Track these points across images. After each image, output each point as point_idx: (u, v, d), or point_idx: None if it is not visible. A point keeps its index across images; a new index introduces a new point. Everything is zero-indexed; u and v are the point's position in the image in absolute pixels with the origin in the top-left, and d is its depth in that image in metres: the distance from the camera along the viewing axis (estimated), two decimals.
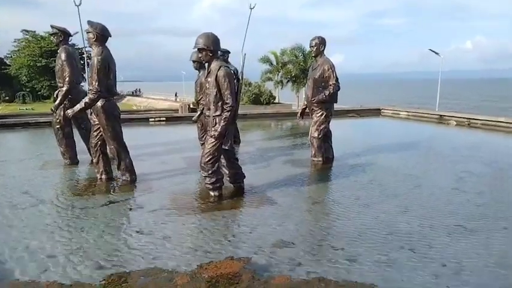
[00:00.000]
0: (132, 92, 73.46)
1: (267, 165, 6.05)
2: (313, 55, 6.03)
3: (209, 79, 4.18)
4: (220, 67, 4.09)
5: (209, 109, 4.25)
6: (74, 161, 6.03)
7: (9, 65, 50.34)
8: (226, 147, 4.35)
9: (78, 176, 5.42)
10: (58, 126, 5.87)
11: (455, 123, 11.20)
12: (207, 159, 4.19)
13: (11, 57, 51.96)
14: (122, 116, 5.00)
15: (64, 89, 5.62)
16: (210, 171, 4.23)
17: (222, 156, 4.42)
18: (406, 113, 13.41)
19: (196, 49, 4.25)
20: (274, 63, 31.35)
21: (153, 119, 11.70)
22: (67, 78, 5.58)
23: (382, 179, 5.19)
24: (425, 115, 12.90)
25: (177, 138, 8.56)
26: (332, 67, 5.72)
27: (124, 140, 4.91)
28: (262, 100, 28.40)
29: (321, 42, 5.83)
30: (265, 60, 31.39)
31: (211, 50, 4.12)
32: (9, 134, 9.68)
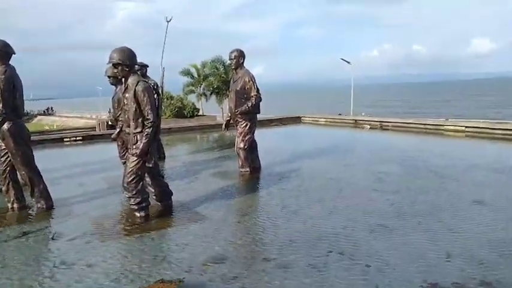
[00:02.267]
0: (44, 111, 68.65)
1: (194, 179, 5.95)
2: (233, 67, 6.10)
3: (127, 95, 4.01)
4: (138, 82, 3.95)
5: (129, 126, 4.08)
6: None
7: None
8: (150, 165, 4.20)
9: None
10: None
11: (369, 126, 12.00)
12: (130, 179, 4.00)
13: None
14: (33, 138, 4.61)
15: None
16: (134, 191, 4.04)
17: (146, 175, 4.25)
18: (324, 120, 14.10)
19: (111, 64, 4.07)
20: (196, 75, 31.23)
21: (68, 139, 10.96)
22: None
23: (308, 185, 5.36)
24: (342, 121, 13.70)
25: (95, 158, 8.11)
26: (252, 78, 5.82)
27: (36, 164, 4.52)
28: (185, 113, 28.08)
29: (240, 54, 5.91)
30: (186, 72, 31.14)
31: (127, 65, 3.97)
32: None
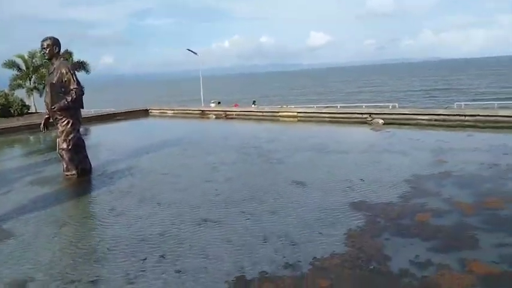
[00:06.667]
0: None
1: (8, 190, 5.06)
2: (46, 58, 5.37)
3: None
4: None
5: None
6: None
7: None
8: None
9: None
10: None
11: (214, 116, 12.22)
12: None
13: None
14: None
15: None
16: None
17: None
18: (172, 112, 13.86)
19: None
20: (24, 67, 27.35)
21: None
22: None
23: (141, 183, 5.06)
24: (189, 112, 13.67)
25: None
26: (71, 70, 5.20)
27: None
28: (12, 111, 24.39)
29: (54, 43, 5.24)
30: (11, 65, 27.01)
31: None
32: None
